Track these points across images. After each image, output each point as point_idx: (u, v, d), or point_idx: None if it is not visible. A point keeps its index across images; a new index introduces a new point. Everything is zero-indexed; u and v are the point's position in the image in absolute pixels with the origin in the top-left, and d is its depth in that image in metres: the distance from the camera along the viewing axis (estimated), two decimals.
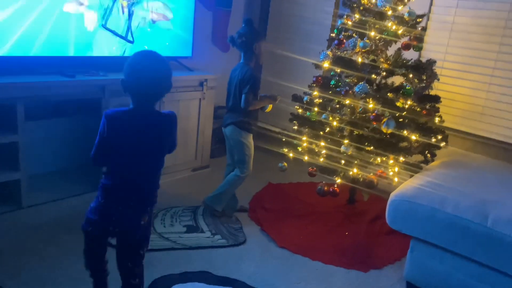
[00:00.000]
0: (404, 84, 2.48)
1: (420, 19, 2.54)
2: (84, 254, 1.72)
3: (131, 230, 1.62)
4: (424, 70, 2.48)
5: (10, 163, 2.41)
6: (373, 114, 2.38)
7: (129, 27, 2.79)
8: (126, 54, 2.86)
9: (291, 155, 2.77)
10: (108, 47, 2.78)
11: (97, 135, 1.58)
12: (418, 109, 2.52)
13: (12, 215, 2.42)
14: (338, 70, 2.62)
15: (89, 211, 1.65)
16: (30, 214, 2.47)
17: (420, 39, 2.51)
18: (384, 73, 2.50)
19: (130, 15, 2.78)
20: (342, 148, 2.48)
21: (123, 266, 1.69)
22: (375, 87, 2.52)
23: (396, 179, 2.53)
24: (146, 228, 1.66)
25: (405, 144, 2.53)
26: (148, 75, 1.52)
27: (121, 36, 2.77)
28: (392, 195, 2.12)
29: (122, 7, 2.70)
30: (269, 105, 2.64)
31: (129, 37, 2.82)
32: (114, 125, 1.53)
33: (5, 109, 2.32)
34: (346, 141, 2.49)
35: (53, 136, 2.88)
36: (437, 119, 2.61)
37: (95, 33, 2.69)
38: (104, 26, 2.69)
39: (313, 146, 2.71)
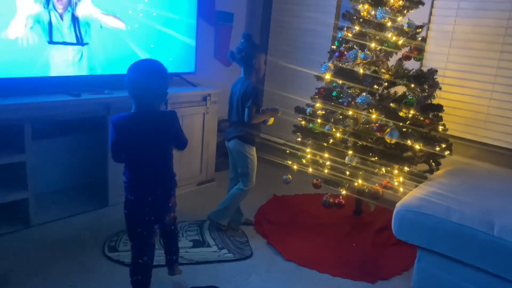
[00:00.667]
0: (407, 94, 2.49)
1: (420, 30, 2.56)
2: (134, 247, 1.91)
3: (163, 214, 1.95)
4: (426, 79, 2.49)
5: (17, 182, 2.44)
6: (376, 124, 2.40)
7: (77, 30, 2.67)
8: (83, 58, 2.75)
9: (295, 167, 2.78)
10: (64, 58, 2.66)
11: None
12: (421, 119, 2.53)
13: (21, 234, 2.44)
14: (340, 82, 2.64)
15: (124, 208, 1.89)
16: (38, 232, 2.49)
17: (420, 49, 2.52)
18: (386, 84, 2.52)
19: (73, 17, 2.63)
20: (346, 159, 2.48)
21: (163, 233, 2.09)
22: (377, 98, 2.54)
23: (401, 189, 2.53)
24: (174, 205, 2.01)
25: (409, 153, 2.53)
26: (142, 84, 1.76)
27: (72, 44, 2.67)
28: (398, 206, 2.12)
29: (60, 14, 2.56)
30: (271, 118, 2.67)
31: (84, 40, 2.73)
32: (121, 129, 1.78)
33: (12, 129, 2.36)
34: (350, 152, 2.50)
35: (60, 155, 2.92)
36: (440, 128, 2.62)
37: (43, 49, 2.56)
38: (51, 42, 2.58)
39: (317, 158, 2.72)
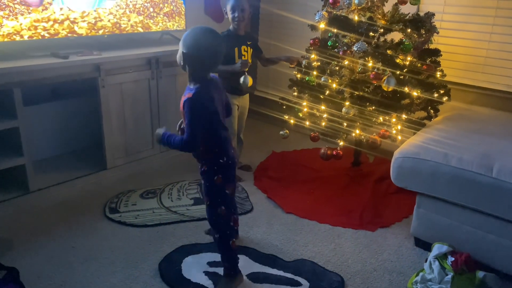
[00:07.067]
0: (403, 40, 2.42)
1: None
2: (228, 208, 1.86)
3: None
4: (423, 24, 2.41)
5: (13, 149, 2.42)
6: (373, 72, 2.34)
7: None
8: (99, 5, 2.69)
9: (292, 121, 2.74)
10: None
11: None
12: (418, 65, 2.47)
13: (21, 200, 2.44)
14: (335, 30, 2.55)
15: (214, 175, 1.81)
16: (38, 197, 2.50)
17: None
18: (382, 30, 2.44)
19: None
20: (343, 110, 2.44)
21: None
22: (373, 45, 2.47)
23: (399, 137, 2.51)
24: None
25: (407, 101, 2.49)
26: (215, 47, 1.69)
27: None
28: (396, 153, 2.11)
29: None
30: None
31: None
32: (206, 107, 1.67)
33: (2, 95, 2.31)
34: (347, 103, 2.46)
35: (54, 120, 2.88)
36: (438, 74, 2.56)
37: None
38: None
39: (314, 111, 2.68)
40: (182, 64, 1.70)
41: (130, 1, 2.89)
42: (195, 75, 1.71)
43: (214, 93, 1.72)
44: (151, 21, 3.05)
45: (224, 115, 1.83)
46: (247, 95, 2.85)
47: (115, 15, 2.82)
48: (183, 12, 3.23)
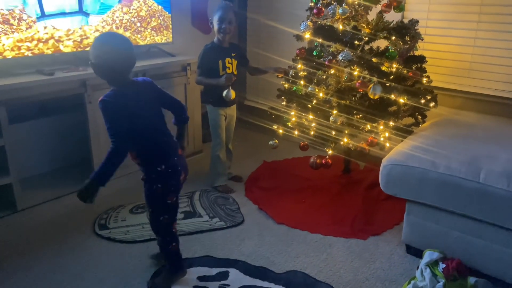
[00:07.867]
0: (389, 47, 2.44)
1: None
2: (171, 218, 1.91)
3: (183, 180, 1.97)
4: (407, 31, 2.43)
5: None
6: (359, 81, 2.35)
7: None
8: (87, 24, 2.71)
9: (280, 131, 2.74)
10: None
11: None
12: (404, 72, 2.48)
13: (8, 219, 2.41)
14: (320, 40, 2.57)
15: (152, 184, 1.78)
16: (26, 216, 2.47)
17: (399, 0, 2.45)
18: (366, 38, 2.46)
19: None
20: (331, 119, 2.45)
21: None
22: (358, 54, 2.48)
23: (387, 145, 2.51)
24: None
25: (394, 108, 2.50)
26: (120, 51, 1.66)
27: (72, 13, 2.55)
28: (384, 161, 2.11)
29: None
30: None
31: (85, 9, 2.57)
32: (121, 110, 1.64)
33: None
34: (334, 112, 2.46)
35: (41, 137, 2.86)
36: (424, 80, 2.58)
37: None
38: (43, 17, 2.45)
39: (303, 120, 2.68)
40: (96, 74, 1.70)
41: (117, 17, 2.89)
42: (110, 81, 1.71)
43: (133, 96, 1.70)
44: (139, 36, 3.05)
45: (159, 118, 1.79)
46: (234, 105, 2.86)
47: (101, 32, 2.81)
48: (170, 26, 3.24)
